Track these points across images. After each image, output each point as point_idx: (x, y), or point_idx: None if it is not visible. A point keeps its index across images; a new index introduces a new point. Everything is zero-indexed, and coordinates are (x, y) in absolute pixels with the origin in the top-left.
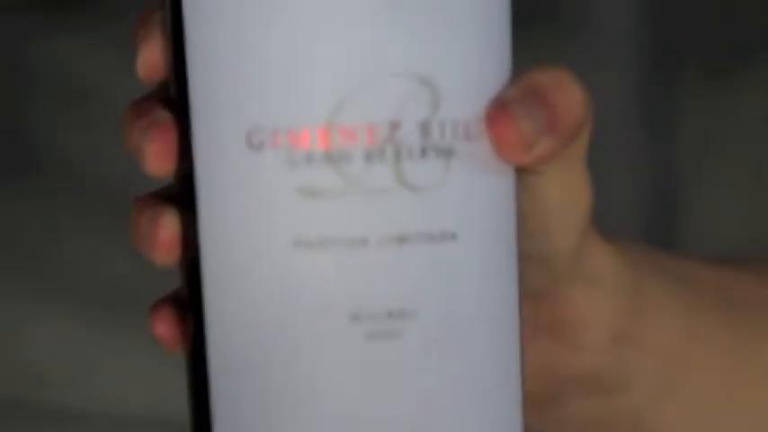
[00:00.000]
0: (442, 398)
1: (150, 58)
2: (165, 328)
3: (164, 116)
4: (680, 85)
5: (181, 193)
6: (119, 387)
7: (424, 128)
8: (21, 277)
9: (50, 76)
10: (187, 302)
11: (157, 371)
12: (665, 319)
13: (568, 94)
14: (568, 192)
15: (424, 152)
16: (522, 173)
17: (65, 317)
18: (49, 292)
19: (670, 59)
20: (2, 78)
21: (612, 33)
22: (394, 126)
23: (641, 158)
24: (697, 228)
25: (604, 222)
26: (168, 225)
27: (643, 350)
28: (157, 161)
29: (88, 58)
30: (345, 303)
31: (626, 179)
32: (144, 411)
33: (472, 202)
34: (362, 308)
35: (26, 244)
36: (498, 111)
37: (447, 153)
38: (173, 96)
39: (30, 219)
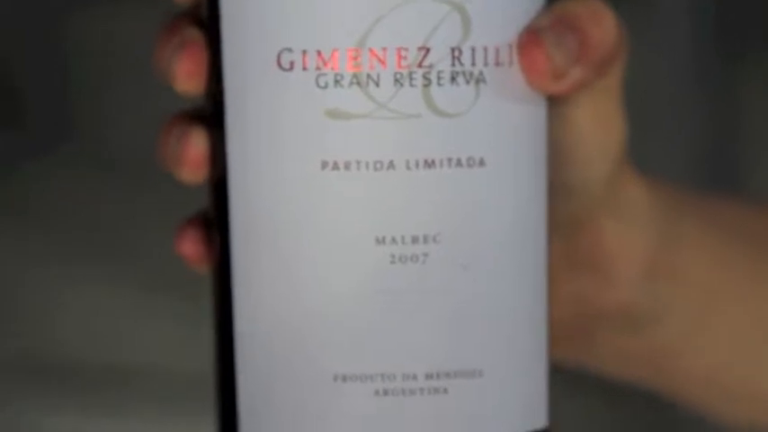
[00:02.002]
0: (466, 323)
1: None
2: (190, 246)
3: (195, 35)
4: (742, 63)
5: (210, 113)
6: (139, 343)
7: (455, 53)
8: (50, 242)
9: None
10: (213, 221)
11: (175, 328)
12: (698, 254)
13: (601, 24)
14: (602, 122)
15: (453, 78)
16: (554, 102)
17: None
18: (78, 256)
19: (733, 37)
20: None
21: (674, 10)
22: (424, 50)
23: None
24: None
25: None
26: (197, 143)
27: (676, 285)
28: (187, 79)
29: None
30: (371, 226)
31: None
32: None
33: (501, 128)
34: (388, 231)
35: (56, 208)
36: (530, 38)
37: (477, 79)
38: (204, 15)
39: (63, 184)
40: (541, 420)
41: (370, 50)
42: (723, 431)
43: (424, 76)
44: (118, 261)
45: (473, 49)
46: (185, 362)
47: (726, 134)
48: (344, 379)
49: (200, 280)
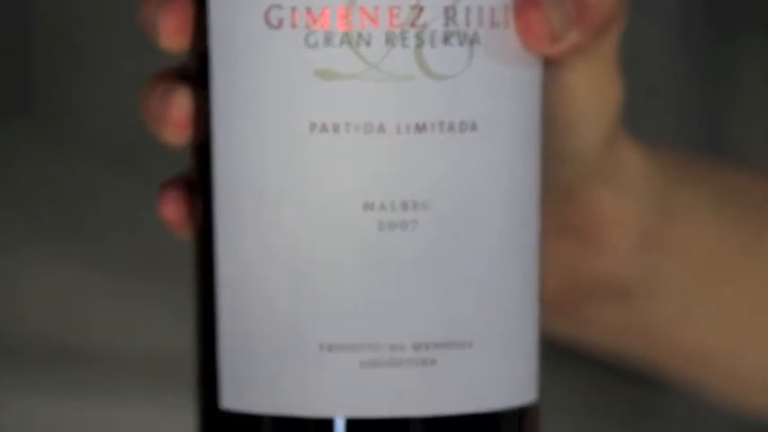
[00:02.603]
0: (455, 293)
1: None
2: (172, 209)
3: None
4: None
5: (194, 71)
6: (116, 327)
7: (449, 13)
8: (19, 219)
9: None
10: (196, 183)
11: (154, 313)
12: (694, 225)
13: None
14: (597, 87)
15: (446, 38)
16: (549, 66)
17: (64, 260)
18: (48, 236)
19: (722, 7)
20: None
21: None
22: (417, 9)
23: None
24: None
25: None
26: (181, 103)
27: (670, 258)
28: (171, 36)
29: None
30: (359, 191)
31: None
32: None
33: (494, 92)
34: (376, 197)
35: (26, 186)
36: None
37: (471, 40)
38: None
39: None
40: (531, 394)
41: (361, 8)
42: (710, 406)
43: (417, 36)
44: (86, 240)
45: (467, 9)
46: (154, 343)
47: (716, 104)
48: (330, 349)
49: (172, 260)
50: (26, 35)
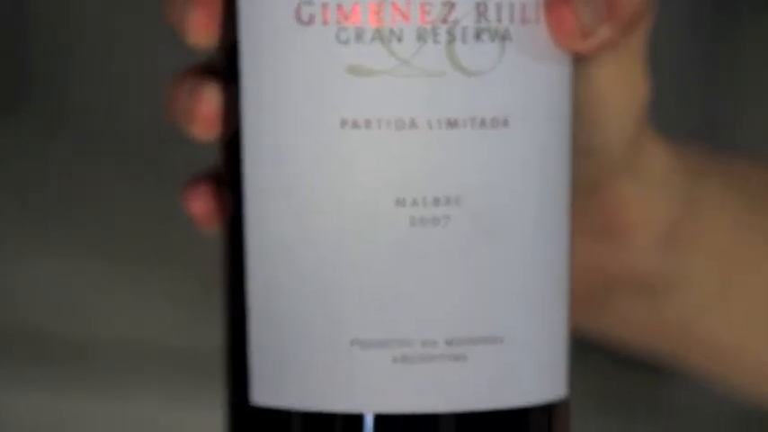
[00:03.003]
0: (487, 288)
1: None
2: (200, 205)
3: None
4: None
5: (224, 67)
6: (117, 319)
7: (480, 9)
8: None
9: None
10: (225, 180)
11: (156, 305)
12: (719, 222)
13: None
14: (625, 82)
15: (478, 34)
16: (578, 61)
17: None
18: (47, 226)
19: None
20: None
21: None
22: (448, 5)
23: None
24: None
25: None
26: (210, 98)
27: (694, 254)
28: (200, 32)
29: None
30: (390, 187)
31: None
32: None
33: (526, 88)
34: (408, 193)
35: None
36: None
37: (502, 36)
38: None
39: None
40: (561, 389)
41: (393, 4)
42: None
43: (449, 32)
44: (83, 230)
45: (498, 5)
46: (154, 334)
47: (720, 88)
48: (362, 345)
49: (172, 251)
50: (22, 33)
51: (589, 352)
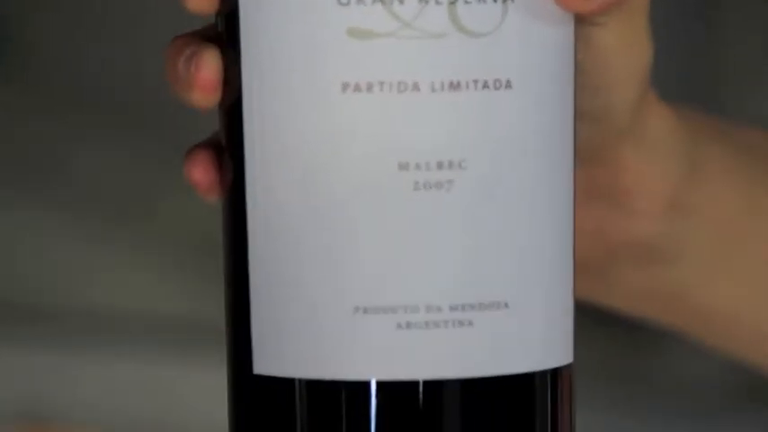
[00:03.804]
0: (491, 253)
1: None
2: (201, 173)
3: None
4: None
5: (223, 33)
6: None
7: None
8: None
9: None
10: (226, 147)
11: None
12: (723, 190)
13: None
14: (629, 44)
15: None
16: (581, 23)
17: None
18: (46, 202)
19: None
20: None
21: None
22: None
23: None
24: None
25: None
26: (210, 64)
27: (698, 221)
28: None
29: None
30: (393, 151)
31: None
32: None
33: (529, 49)
34: (411, 156)
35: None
36: None
37: None
38: None
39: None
40: (567, 356)
41: None
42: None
43: None
44: (66, 190)
45: None
46: (142, 299)
47: (706, 71)
48: (365, 311)
49: (153, 213)
50: None
51: (590, 321)
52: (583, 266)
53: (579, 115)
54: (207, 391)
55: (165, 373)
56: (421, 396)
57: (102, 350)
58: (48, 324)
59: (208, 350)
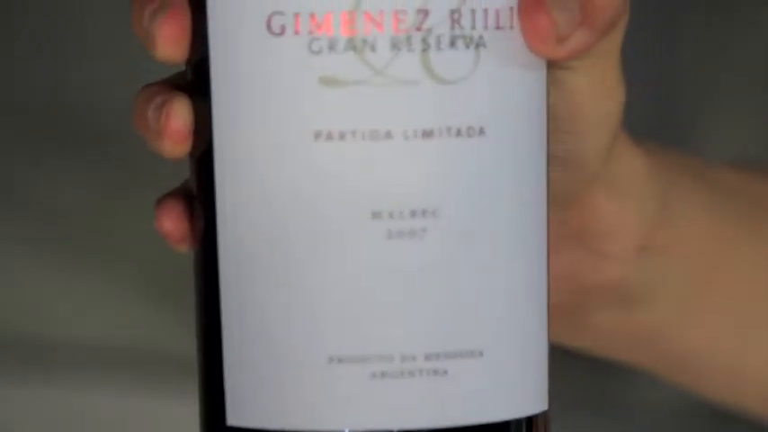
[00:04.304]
0: (466, 302)
1: None
2: (171, 223)
3: None
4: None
5: (193, 81)
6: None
7: (454, 16)
8: None
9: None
10: (197, 197)
11: (114, 303)
12: (694, 230)
13: None
14: (601, 88)
15: (453, 42)
16: (553, 68)
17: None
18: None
19: None
20: None
21: None
22: (423, 13)
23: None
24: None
25: None
26: (180, 113)
27: (670, 262)
28: (169, 46)
29: None
30: (366, 200)
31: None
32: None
33: (502, 96)
34: (384, 205)
35: None
36: (532, 1)
37: (477, 44)
38: None
39: None
40: (542, 403)
41: (366, 13)
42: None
43: (423, 41)
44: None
45: (473, 12)
46: (105, 332)
47: (667, 94)
48: (340, 361)
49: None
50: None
51: (561, 356)
52: (555, 310)
53: (551, 159)
54: (180, 426)
55: (133, 406)
56: None
57: (57, 382)
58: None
59: (178, 383)
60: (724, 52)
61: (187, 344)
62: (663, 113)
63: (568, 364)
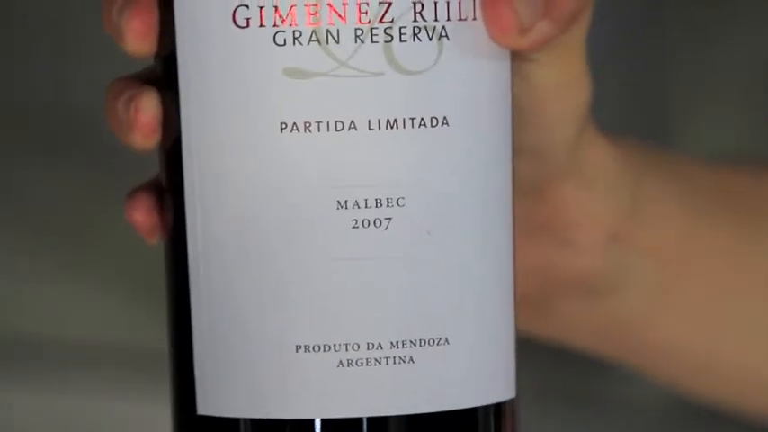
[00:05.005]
0: (430, 290)
1: None
2: (142, 215)
3: None
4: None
5: (162, 75)
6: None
7: (416, 7)
8: None
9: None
10: (166, 188)
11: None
12: (664, 221)
13: None
14: (566, 81)
15: (415, 34)
16: (517, 60)
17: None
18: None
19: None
20: None
21: None
22: (385, 5)
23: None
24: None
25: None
26: (149, 106)
27: (639, 253)
28: (137, 40)
29: None
30: (331, 190)
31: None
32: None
33: (465, 86)
34: (349, 195)
35: None
36: None
37: (439, 35)
38: None
39: None
40: (510, 390)
41: (329, 5)
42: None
43: (386, 32)
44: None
45: (435, 3)
46: (91, 330)
47: (652, 93)
48: (307, 349)
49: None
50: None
51: (532, 350)
52: (524, 300)
53: (519, 151)
54: (151, 425)
55: (109, 405)
56: None
57: (40, 381)
58: None
59: (152, 381)
60: (710, 47)
61: None
62: (648, 110)
63: (538, 356)
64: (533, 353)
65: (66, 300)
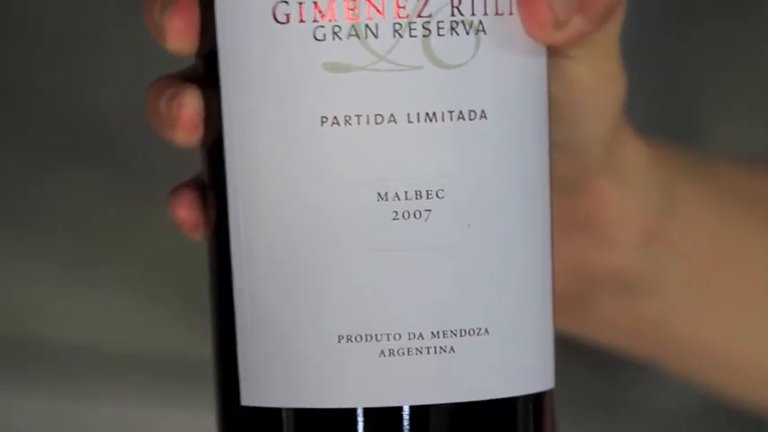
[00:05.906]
0: (470, 280)
1: None
2: (186, 211)
3: None
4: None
5: (203, 71)
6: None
7: (454, 2)
8: None
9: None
10: (208, 185)
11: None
12: (696, 220)
13: None
14: (600, 77)
15: (453, 28)
16: (553, 57)
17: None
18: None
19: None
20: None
21: None
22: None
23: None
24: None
25: None
26: (191, 103)
27: (673, 251)
28: (179, 38)
29: None
30: (372, 182)
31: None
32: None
33: (502, 80)
34: (389, 187)
35: None
36: None
37: (477, 29)
38: None
39: None
40: (548, 381)
41: (368, 0)
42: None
43: (424, 26)
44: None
45: None
46: (103, 337)
47: (681, 95)
48: (349, 339)
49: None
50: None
51: (567, 353)
52: (561, 298)
53: (555, 147)
54: (155, 429)
55: (148, 412)
56: (405, 422)
57: (79, 390)
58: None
59: (191, 388)
60: (733, 52)
61: (197, 348)
62: (672, 112)
63: (573, 362)
64: (562, 358)
65: (95, 306)
